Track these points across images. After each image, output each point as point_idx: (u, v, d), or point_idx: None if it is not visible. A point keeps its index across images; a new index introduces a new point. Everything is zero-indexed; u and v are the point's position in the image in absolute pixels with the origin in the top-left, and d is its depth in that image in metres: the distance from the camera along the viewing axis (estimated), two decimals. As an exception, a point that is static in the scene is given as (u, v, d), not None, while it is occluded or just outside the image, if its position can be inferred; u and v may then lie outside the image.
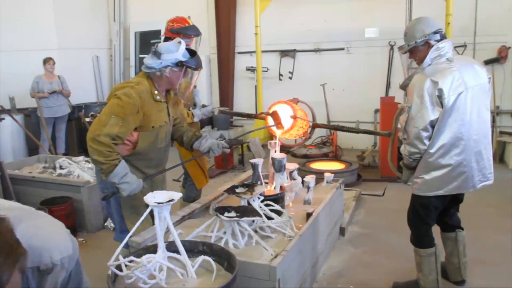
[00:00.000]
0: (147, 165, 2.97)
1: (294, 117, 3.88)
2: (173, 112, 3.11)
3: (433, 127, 2.78)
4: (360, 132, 4.18)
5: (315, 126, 4.26)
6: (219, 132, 8.03)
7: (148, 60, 2.83)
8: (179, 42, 2.85)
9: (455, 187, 2.86)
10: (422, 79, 2.77)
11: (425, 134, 2.78)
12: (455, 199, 3.10)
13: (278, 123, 3.73)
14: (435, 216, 3.06)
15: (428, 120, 2.75)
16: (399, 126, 2.97)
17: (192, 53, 2.88)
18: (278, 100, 4.05)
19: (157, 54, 2.79)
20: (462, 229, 3.22)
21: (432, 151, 2.81)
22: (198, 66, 2.92)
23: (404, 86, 3.01)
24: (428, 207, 2.98)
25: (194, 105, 4.23)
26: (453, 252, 3.21)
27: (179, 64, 2.80)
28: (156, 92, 2.85)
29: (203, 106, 4.26)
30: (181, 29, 3.75)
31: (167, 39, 3.72)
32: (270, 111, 3.88)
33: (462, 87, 2.75)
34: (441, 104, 2.74)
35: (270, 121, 3.85)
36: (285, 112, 3.90)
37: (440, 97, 2.72)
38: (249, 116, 4.85)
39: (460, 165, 2.81)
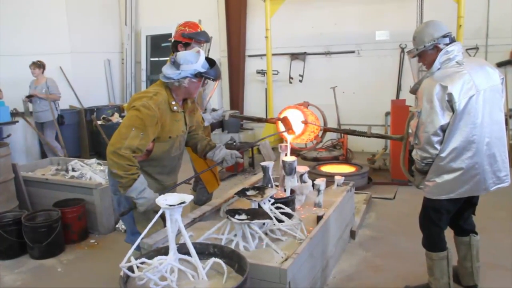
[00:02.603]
0: (159, 172, 2.96)
1: (305, 123, 3.87)
2: (190, 121, 3.10)
3: (443, 131, 2.76)
4: (372, 137, 4.15)
5: (326, 130, 4.24)
6: (230, 135, 8.05)
7: (167, 70, 2.78)
8: (198, 52, 2.80)
9: (467, 190, 2.84)
10: (431, 84, 2.75)
11: (435, 139, 2.77)
12: (469, 202, 3.06)
13: (289, 129, 3.72)
14: (447, 219, 3.04)
15: (438, 125, 2.73)
16: (410, 131, 2.96)
17: (211, 63, 2.83)
18: (289, 103, 4.04)
19: (176, 65, 2.75)
20: (476, 233, 3.19)
21: (443, 155, 2.79)
22: (217, 77, 2.87)
23: (414, 91, 2.99)
24: (440, 210, 2.96)
25: (205, 109, 4.22)
26: (466, 257, 3.18)
27: (198, 75, 2.77)
28: (173, 102, 2.82)
29: (213, 110, 4.25)
30: (193, 35, 3.68)
31: (176, 42, 3.71)
32: (281, 117, 3.87)
33: (473, 90, 2.72)
34: (452, 109, 2.72)
35: (281, 126, 3.84)
36: (296, 117, 3.89)
37: (450, 101, 2.70)
38: (259, 120, 4.85)
39: (472, 168, 2.79)
